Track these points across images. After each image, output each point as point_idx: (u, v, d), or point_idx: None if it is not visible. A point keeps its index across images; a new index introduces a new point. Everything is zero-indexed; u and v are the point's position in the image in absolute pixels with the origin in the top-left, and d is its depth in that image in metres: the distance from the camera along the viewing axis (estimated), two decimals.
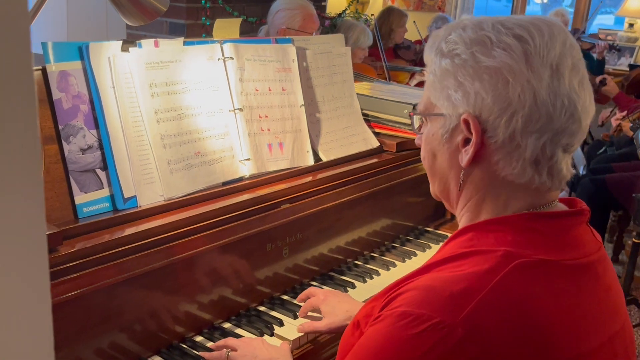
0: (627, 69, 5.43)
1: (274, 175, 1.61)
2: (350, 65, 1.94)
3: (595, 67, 5.53)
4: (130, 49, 1.38)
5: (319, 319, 1.41)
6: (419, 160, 1.04)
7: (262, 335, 1.42)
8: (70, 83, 1.30)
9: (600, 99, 4.72)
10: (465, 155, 0.90)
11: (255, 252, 1.51)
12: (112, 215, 1.30)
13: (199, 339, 1.41)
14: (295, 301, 1.55)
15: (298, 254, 1.64)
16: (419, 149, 1.03)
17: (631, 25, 6.41)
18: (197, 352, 1.35)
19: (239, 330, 1.44)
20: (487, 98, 0.86)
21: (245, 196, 1.49)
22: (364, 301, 1.31)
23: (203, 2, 3.99)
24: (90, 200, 1.30)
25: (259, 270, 1.54)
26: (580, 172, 3.53)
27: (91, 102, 1.32)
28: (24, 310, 0.42)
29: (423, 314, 0.79)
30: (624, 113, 4.14)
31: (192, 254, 1.34)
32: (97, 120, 1.33)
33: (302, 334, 1.42)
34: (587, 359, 0.85)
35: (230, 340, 1.32)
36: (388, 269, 1.79)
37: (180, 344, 1.38)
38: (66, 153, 1.27)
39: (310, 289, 1.50)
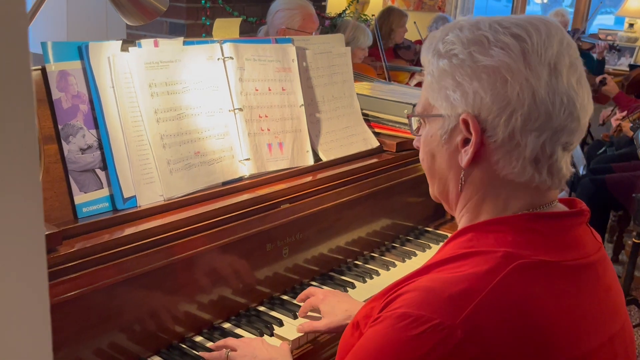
0: (627, 69, 5.43)
1: (274, 175, 1.61)
2: (350, 65, 1.94)
3: (595, 67, 5.53)
4: (129, 48, 1.38)
5: (319, 319, 1.41)
6: (419, 160, 1.04)
7: (261, 335, 1.42)
8: (70, 83, 1.30)
9: (600, 98, 4.72)
10: (465, 156, 0.90)
11: (255, 252, 1.51)
12: (111, 215, 1.30)
13: (198, 339, 1.41)
14: (295, 301, 1.55)
15: (298, 254, 1.64)
16: (418, 149, 1.03)
17: (631, 25, 6.41)
18: (196, 352, 1.35)
19: (238, 331, 1.44)
20: (485, 97, 0.86)
21: (245, 196, 1.49)
22: (364, 301, 1.31)
23: (203, 2, 3.99)
24: (90, 200, 1.30)
25: (258, 270, 1.54)
26: (580, 172, 3.52)
27: (91, 101, 1.32)
28: (22, 311, 0.42)
29: (423, 316, 0.79)
30: (624, 113, 4.14)
31: (192, 254, 1.34)
32: (96, 120, 1.33)
33: (301, 334, 1.42)
34: None
35: (229, 341, 1.32)
36: (388, 269, 1.79)
37: (180, 344, 1.38)
38: (66, 153, 1.27)
39: (309, 289, 1.50)
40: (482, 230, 0.90)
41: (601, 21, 7.86)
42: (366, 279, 1.72)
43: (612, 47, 5.74)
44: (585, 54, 5.58)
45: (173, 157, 1.41)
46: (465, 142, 0.90)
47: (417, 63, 4.88)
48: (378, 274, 1.76)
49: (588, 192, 3.59)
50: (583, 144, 5.08)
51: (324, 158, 1.76)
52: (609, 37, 6.37)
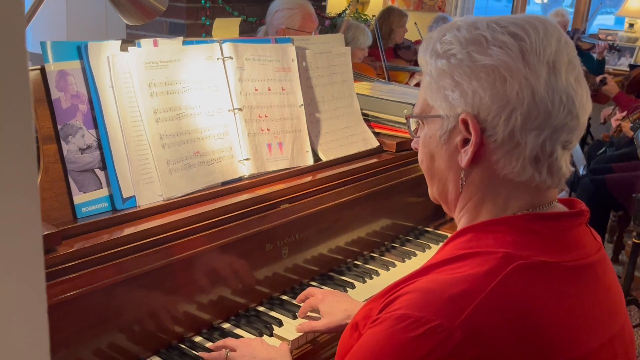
0: (627, 69, 5.43)
1: (274, 175, 1.61)
2: (350, 65, 1.94)
3: (596, 67, 5.52)
4: (129, 48, 1.38)
5: (318, 319, 1.41)
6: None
7: (261, 335, 1.42)
8: (69, 82, 1.30)
9: (600, 98, 4.72)
10: (465, 156, 0.90)
11: (255, 252, 1.51)
12: (111, 215, 1.30)
13: (198, 339, 1.41)
14: (294, 301, 1.55)
15: (297, 254, 1.64)
16: (416, 151, 1.02)
17: (631, 25, 6.40)
18: (196, 353, 1.34)
19: (238, 331, 1.44)
20: (485, 97, 0.86)
21: (244, 196, 1.49)
22: (363, 301, 1.31)
23: (203, 2, 3.99)
24: (89, 200, 1.30)
25: (258, 270, 1.53)
26: (581, 172, 3.52)
27: (90, 101, 1.32)
28: (20, 312, 0.42)
29: (422, 317, 0.79)
30: (624, 114, 4.14)
31: (191, 254, 1.33)
32: (96, 119, 1.32)
33: (301, 334, 1.42)
34: None
35: (229, 341, 1.31)
36: (388, 269, 1.79)
37: (179, 344, 1.38)
38: (65, 153, 1.27)
39: (309, 289, 1.49)
40: (481, 231, 0.90)
41: (601, 21, 7.86)
42: (366, 279, 1.71)
43: (612, 47, 5.73)
44: (585, 54, 5.58)
45: (172, 157, 1.41)
46: (465, 142, 0.90)
47: (417, 63, 4.87)
48: (378, 274, 1.76)
49: (588, 192, 3.59)
50: (583, 144, 5.08)
51: (324, 158, 1.76)
52: (609, 37, 6.36)
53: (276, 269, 1.58)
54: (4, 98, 0.39)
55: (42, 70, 1.26)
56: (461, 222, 0.97)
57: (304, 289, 1.52)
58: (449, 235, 0.96)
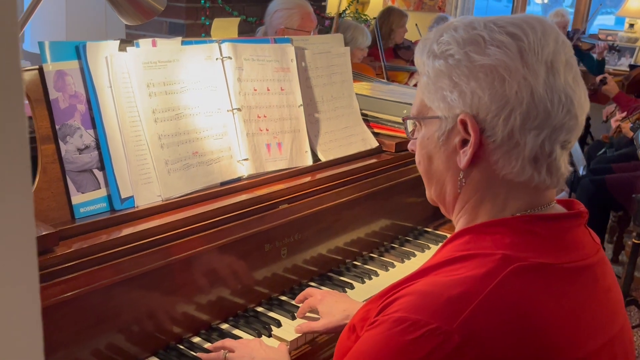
0: (627, 69, 5.43)
1: (273, 176, 1.60)
2: (350, 65, 1.94)
3: (596, 67, 5.52)
4: (127, 48, 1.38)
5: (317, 319, 1.41)
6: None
7: (260, 336, 1.41)
8: (67, 82, 1.29)
9: (600, 98, 4.72)
10: (464, 157, 0.89)
11: (254, 252, 1.51)
12: (109, 216, 1.30)
13: (196, 339, 1.40)
14: (293, 302, 1.55)
15: (296, 255, 1.63)
16: (414, 153, 1.02)
17: (631, 25, 6.40)
18: (194, 353, 1.34)
19: (236, 331, 1.44)
20: (484, 97, 0.86)
21: (243, 196, 1.48)
22: (362, 301, 1.30)
23: (202, 2, 3.98)
24: (87, 200, 1.29)
25: (257, 270, 1.53)
26: (581, 173, 3.52)
27: (88, 101, 1.32)
28: (13, 313, 0.41)
29: (420, 320, 0.79)
30: (624, 114, 4.14)
31: (190, 255, 1.33)
32: (94, 120, 1.32)
33: (299, 334, 1.42)
34: None
35: (227, 342, 1.31)
36: (387, 270, 1.78)
37: (178, 345, 1.37)
38: (63, 153, 1.26)
39: (308, 290, 1.49)
40: (479, 233, 0.89)
41: (601, 21, 7.86)
42: (365, 280, 1.71)
43: (612, 48, 5.73)
44: (585, 54, 5.58)
45: (171, 157, 1.41)
46: (464, 142, 0.89)
47: None
48: (377, 274, 1.75)
49: (588, 193, 3.59)
50: (583, 144, 5.08)
51: (323, 158, 1.76)
52: (609, 38, 6.36)
53: (275, 269, 1.58)
54: None
55: (40, 70, 1.26)
56: (459, 224, 0.96)
57: (303, 290, 1.52)
58: (449, 235, 0.96)
